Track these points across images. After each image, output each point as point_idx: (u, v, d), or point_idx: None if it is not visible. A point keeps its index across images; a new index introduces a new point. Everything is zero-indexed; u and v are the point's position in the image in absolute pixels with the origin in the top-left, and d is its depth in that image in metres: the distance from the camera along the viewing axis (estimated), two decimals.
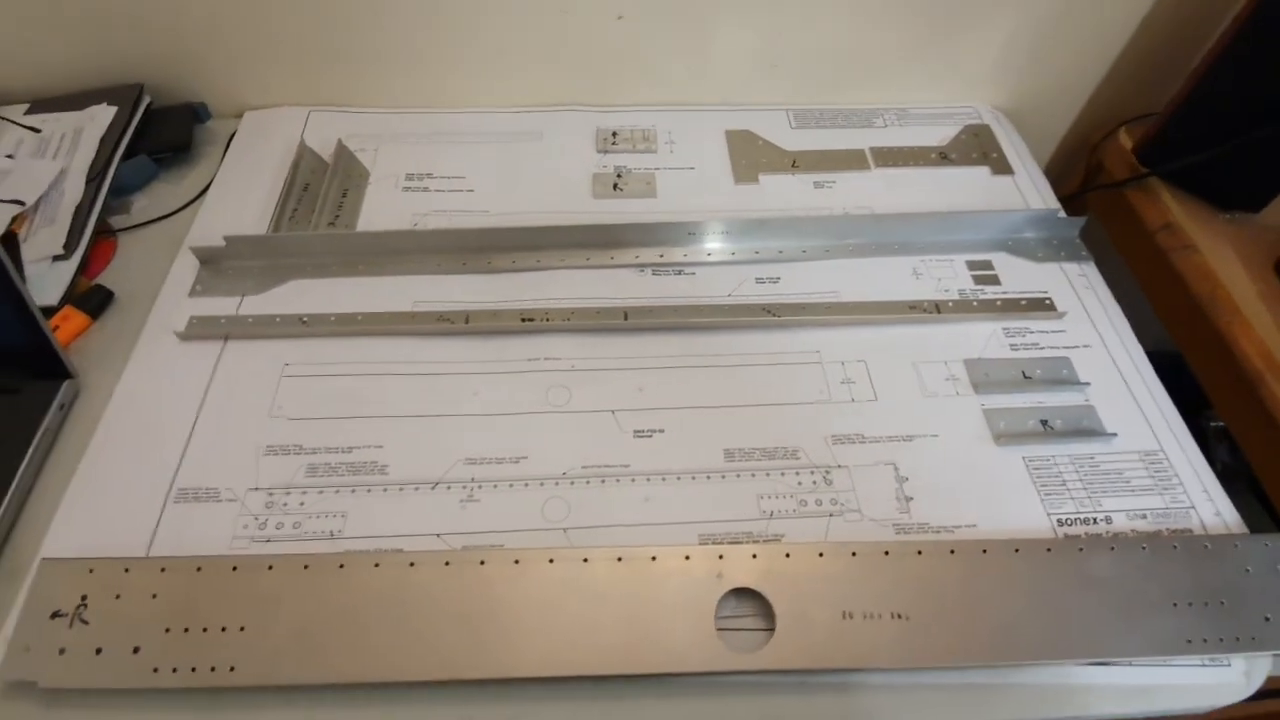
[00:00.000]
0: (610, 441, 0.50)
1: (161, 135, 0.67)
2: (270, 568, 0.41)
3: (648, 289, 0.59)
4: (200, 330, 0.54)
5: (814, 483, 0.49)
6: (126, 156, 0.64)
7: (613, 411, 0.52)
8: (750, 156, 0.69)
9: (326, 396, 0.51)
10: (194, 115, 0.70)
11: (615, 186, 0.66)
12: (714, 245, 0.61)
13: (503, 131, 0.70)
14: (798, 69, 0.72)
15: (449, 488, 0.47)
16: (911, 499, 0.48)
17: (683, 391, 0.53)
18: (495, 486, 0.47)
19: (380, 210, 0.63)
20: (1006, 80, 0.74)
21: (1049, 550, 0.44)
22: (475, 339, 0.55)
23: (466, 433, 0.50)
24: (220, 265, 0.58)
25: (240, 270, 0.58)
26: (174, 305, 0.56)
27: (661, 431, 0.51)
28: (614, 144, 0.69)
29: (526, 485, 0.48)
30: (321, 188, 0.64)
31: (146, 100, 0.68)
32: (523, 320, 0.55)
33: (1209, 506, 0.48)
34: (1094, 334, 0.57)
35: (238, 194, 0.64)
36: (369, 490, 0.47)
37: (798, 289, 0.59)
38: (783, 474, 0.49)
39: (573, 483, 0.48)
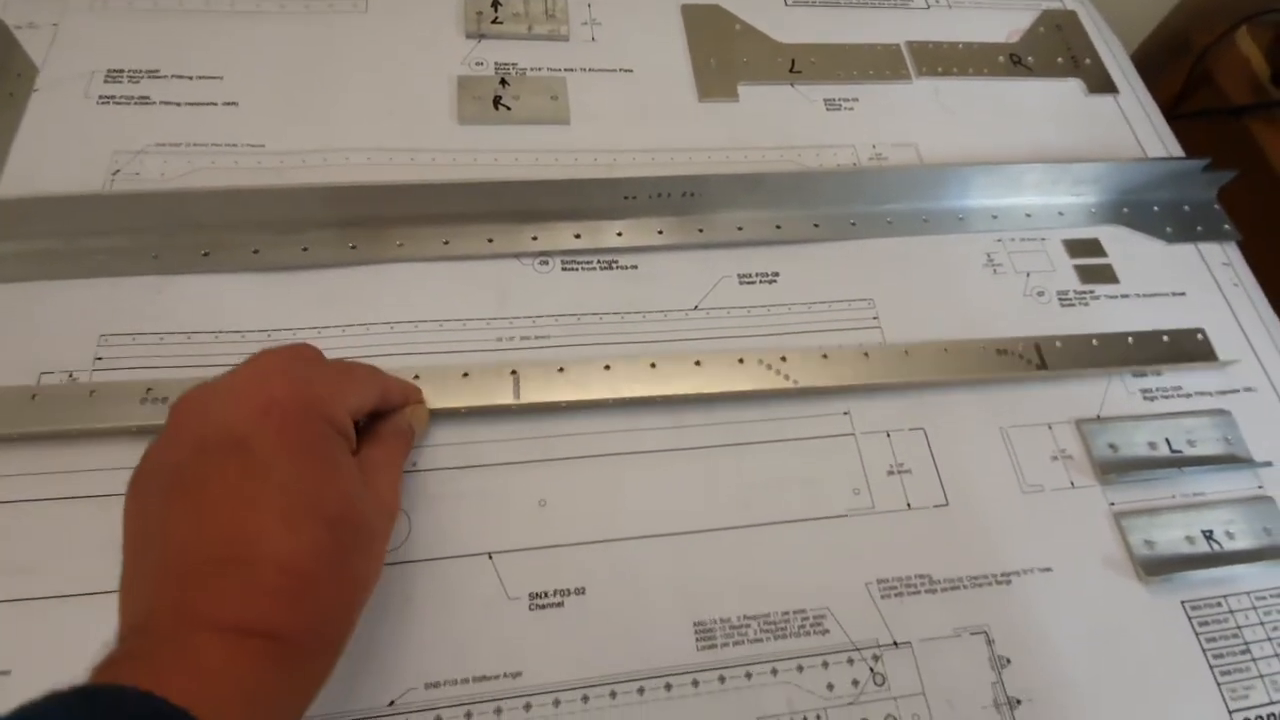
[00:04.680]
0: (484, 621, 0.27)
1: None
2: None
3: (553, 298, 0.34)
4: None
5: (854, 683, 0.27)
6: None
7: (490, 555, 0.28)
8: (724, 53, 0.42)
9: None
10: None
11: (498, 103, 0.38)
12: (669, 218, 0.36)
13: None
14: None
15: None
16: (1019, 702, 0.28)
17: (613, 503, 0.29)
18: None
19: (51, 145, 0.34)
20: None
21: None
22: None
23: None
24: None
25: None
26: None
27: (580, 593, 0.28)
28: (495, 22, 0.41)
29: None
30: None
31: None
32: None
33: None
34: (1258, 369, 0.36)
35: None
36: None
37: (809, 291, 0.35)
38: (800, 668, 0.27)
39: None
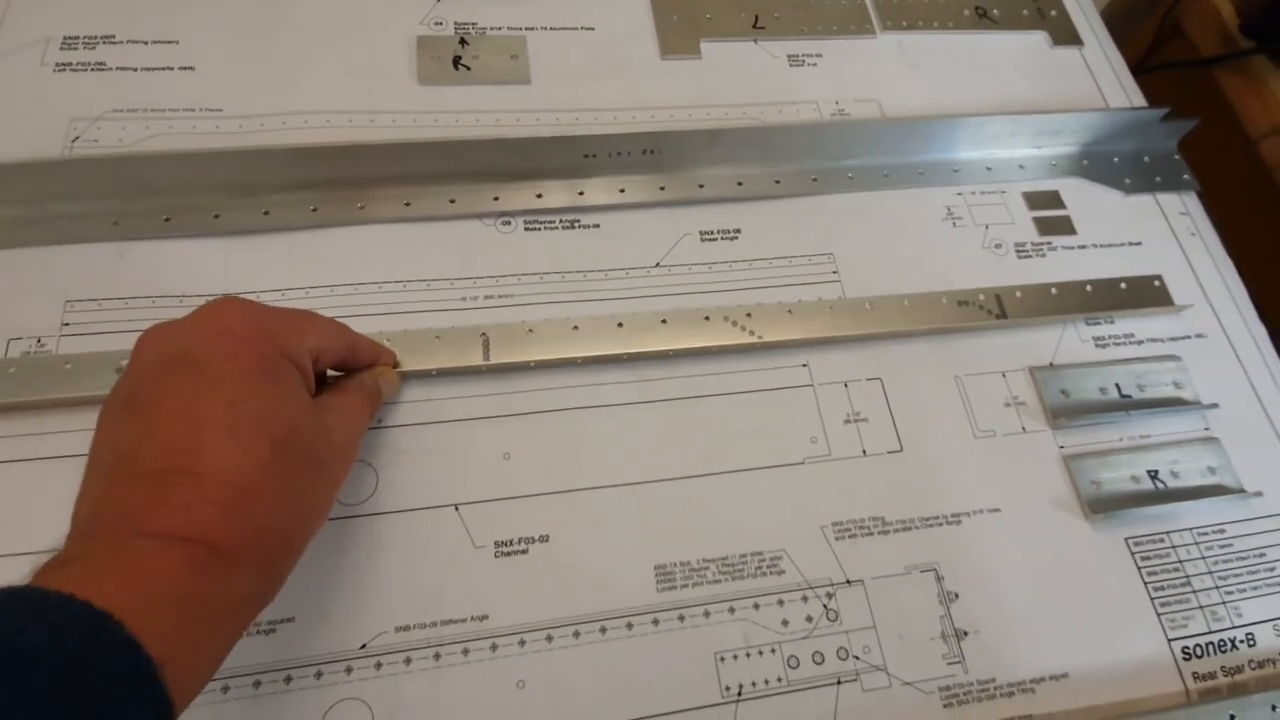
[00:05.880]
0: (451, 569, 0.28)
1: None
2: None
3: (516, 257, 0.34)
4: None
5: (808, 619, 0.29)
6: None
7: (456, 506, 0.29)
8: (686, 9, 0.42)
9: None
10: None
11: (458, 63, 0.38)
12: (630, 176, 0.36)
13: None
14: None
15: None
16: (966, 634, 0.29)
17: (576, 455, 0.30)
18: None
19: (8, 114, 0.34)
20: None
21: None
22: None
23: None
24: None
25: None
26: None
27: (544, 540, 0.29)
28: None
29: (289, 681, 0.25)
30: None
31: None
32: None
33: None
34: (1210, 315, 0.37)
35: None
36: None
37: (770, 247, 0.36)
38: (756, 606, 0.29)
39: (379, 664, 0.26)
